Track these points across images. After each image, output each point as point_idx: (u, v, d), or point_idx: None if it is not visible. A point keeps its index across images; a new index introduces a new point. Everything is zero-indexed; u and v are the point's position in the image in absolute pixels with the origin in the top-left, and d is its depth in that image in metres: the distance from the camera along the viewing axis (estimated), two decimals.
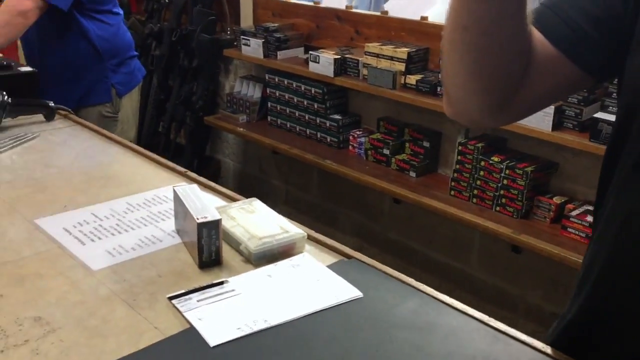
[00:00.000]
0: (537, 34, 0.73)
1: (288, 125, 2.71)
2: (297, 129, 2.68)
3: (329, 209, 2.84)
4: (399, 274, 0.92)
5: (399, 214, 2.56)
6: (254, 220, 1.02)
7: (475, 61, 0.70)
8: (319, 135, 2.60)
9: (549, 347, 0.78)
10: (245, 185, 3.24)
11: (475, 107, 0.77)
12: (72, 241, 0.99)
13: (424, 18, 2.32)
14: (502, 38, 0.68)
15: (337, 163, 2.43)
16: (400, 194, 2.24)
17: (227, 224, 1.00)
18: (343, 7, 2.57)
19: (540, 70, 0.74)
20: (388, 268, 0.94)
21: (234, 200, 1.15)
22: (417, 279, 0.92)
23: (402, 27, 2.38)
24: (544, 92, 0.77)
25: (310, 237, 1.02)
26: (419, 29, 2.33)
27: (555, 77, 0.75)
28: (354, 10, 2.56)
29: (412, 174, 2.30)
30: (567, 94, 1.32)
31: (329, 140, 2.57)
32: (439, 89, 2.14)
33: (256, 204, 1.08)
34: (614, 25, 0.71)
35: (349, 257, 0.97)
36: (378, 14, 2.49)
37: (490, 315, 0.84)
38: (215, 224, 0.92)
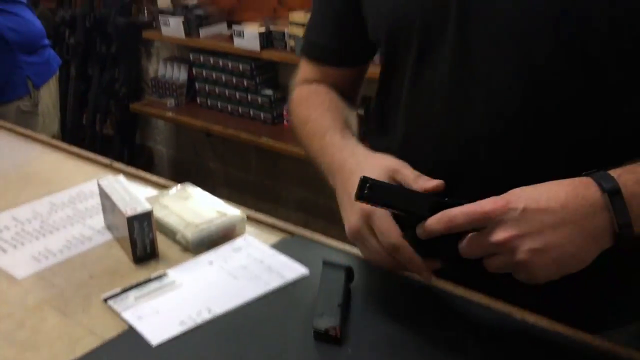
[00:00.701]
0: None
1: (219, 105, 2.63)
2: (229, 108, 2.60)
3: (270, 187, 2.80)
4: (344, 244, 0.90)
5: None
6: (189, 207, 0.97)
7: None
8: (252, 113, 2.53)
9: None
10: (181, 171, 3.15)
11: None
12: None
13: None
14: None
15: (273, 139, 2.38)
16: None
17: (160, 213, 0.94)
18: None
19: None
20: (333, 241, 0.91)
21: (166, 187, 1.09)
22: None
23: None
24: None
25: (250, 218, 0.98)
26: None
27: None
28: None
29: None
30: None
31: (262, 116, 2.51)
32: None
33: (190, 189, 1.03)
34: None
35: (292, 234, 0.94)
36: None
37: None
38: (147, 216, 0.87)
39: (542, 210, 0.58)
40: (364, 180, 0.63)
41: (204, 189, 1.02)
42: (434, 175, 0.69)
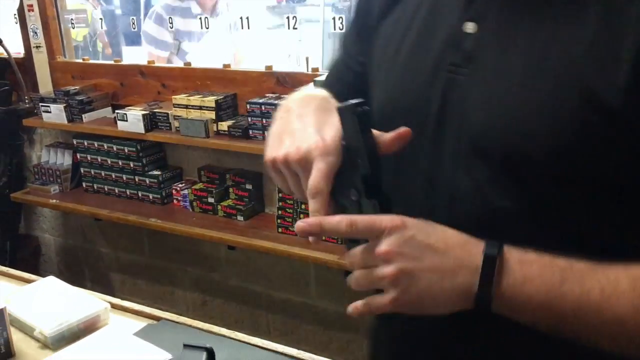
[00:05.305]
0: None
1: (106, 189, 2.58)
2: (117, 191, 2.56)
3: (165, 268, 2.73)
4: (211, 326, 0.91)
5: (236, 260, 2.54)
6: (50, 301, 0.95)
7: None
8: (140, 194, 2.50)
9: None
10: (71, 258, 3.01)
11: None
12: None
13: (226, 65, 2.36)
14: None
15: (162, 220, 2.35)
16: (231, 240, 2.23)
17: (17, 309, 0.91)
18: (145, 62, 2.53)
19: None
20: (200, 323, 0.92)
21: (29, 282, 1.06)
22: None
23: (206, 76, 2.39)
24: None
25: (115, 306, 0.97)
26: (224, 77, 2.37)
27: None
28: (156, 64, 2.53)
29: (240, 218, 2.31)
30: None
31: (151, 197, 2.48)
32: (250, 132, 2.18)
33: (52, 283, 1.01)
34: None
35: (158, 319, 0.94)
36: (181, 65, 2.49)
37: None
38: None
39: (427, 245, 0.60)
40: (358, 104, 0.63)
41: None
42: None
